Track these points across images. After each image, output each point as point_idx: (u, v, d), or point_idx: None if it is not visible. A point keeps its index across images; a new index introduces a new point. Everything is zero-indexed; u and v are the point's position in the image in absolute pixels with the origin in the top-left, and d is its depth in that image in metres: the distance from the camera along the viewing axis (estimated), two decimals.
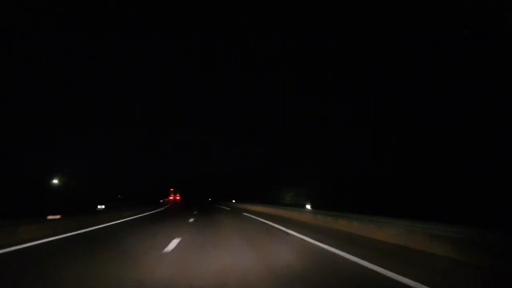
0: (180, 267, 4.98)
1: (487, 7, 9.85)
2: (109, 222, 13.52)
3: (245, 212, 21.87)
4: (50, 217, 13.16)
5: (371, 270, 4.68)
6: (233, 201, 46.72)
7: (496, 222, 8.69)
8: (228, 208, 32.24)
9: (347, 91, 27.95)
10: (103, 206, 33.44)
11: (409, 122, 16.98)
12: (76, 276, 4.44)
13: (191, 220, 15.34)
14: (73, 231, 9.50)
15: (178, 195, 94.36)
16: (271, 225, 12.08)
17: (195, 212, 22.74)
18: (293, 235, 8.94)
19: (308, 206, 23.33)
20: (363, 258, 5.33)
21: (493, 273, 4.49)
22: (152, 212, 25.28)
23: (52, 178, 37.56)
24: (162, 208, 32.58)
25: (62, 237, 8.42)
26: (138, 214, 20.28)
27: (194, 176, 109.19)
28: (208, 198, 75.82)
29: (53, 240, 7.92)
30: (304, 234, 8.74)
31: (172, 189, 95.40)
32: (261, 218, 15.97)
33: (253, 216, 17.56)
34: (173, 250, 6.56)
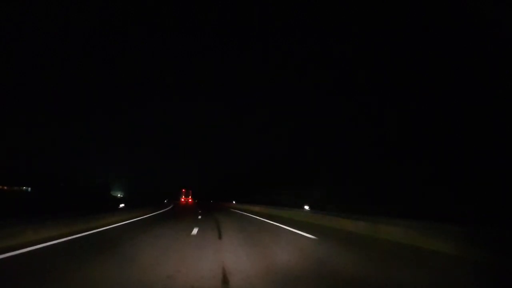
0: None
1: (487, 7, 9.85)
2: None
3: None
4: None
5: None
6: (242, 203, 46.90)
7: (494, 222, 8.70)
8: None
9: (350, 90, 27.91)
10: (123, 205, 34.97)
11: (409, 121, 16.91)
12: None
13: None
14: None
15: (190, 197, 79.85)
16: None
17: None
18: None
19: (306, 207, 23.24)
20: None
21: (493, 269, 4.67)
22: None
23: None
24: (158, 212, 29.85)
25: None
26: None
27: (210, 176, 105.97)
28: (222, 199, 74.01)
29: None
30: None
31: (184, 190, 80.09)
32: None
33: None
34: None
